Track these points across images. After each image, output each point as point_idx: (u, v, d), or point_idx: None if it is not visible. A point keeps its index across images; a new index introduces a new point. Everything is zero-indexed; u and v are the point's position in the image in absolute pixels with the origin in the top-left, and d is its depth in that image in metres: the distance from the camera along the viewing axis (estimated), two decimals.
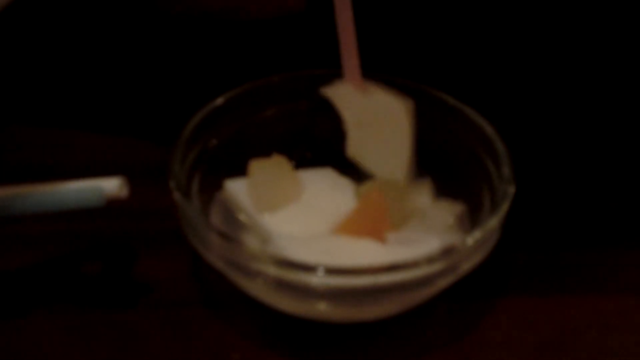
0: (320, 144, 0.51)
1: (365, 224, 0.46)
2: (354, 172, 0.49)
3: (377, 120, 0.47)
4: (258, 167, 0.48)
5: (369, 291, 0.40)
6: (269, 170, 0.48)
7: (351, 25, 0.45)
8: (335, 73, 0.48)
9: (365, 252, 0.45)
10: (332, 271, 0.40)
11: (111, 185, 0.43)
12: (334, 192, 0.49)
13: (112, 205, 0.43)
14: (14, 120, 0.58)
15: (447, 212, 0.48)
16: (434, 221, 0.47)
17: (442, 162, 0.50)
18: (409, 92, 0.48)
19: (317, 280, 0.40)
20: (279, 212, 0.48)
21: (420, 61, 0.61)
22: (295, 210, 0.48)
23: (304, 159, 0.51)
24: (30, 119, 0.59)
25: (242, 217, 0.48)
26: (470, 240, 0.41)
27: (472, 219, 0.46)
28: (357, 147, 0.49)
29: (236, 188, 0.49)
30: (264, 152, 0.49)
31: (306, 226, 0.47)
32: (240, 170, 0.49)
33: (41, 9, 0.61)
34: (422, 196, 0.49)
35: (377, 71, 0.48)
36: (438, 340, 0.44)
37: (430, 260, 0.40)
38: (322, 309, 0.42)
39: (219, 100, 0.49)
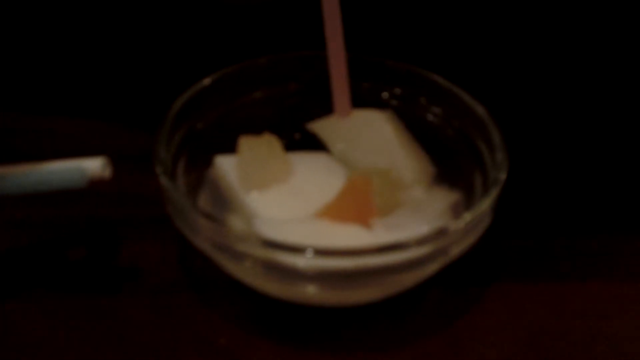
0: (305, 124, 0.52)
1: (348, 208, 0.46)
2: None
3: (363, 137, 0.49)
4: (247, 145, 0.48)
5: (358, 274, 0.40)
6: (258, 149, 0.48)
7: (343, 62, 0.47)
8: (322, 55, 0.49)
9: (347, 236, 0.45)
10: (320, 252, 0.40)
11: (93, 166, 0.43)
12: (325, 176, 0.49)
13: (96, 189, 0.44)
14: None
15: (441, 201, 0.48)
16: (426, 209, 0.47)
17: (436, 146, 0.50)
18: (400, 74, 0.50)
19: (305, 262, 0.40)
20: (266, 192, 0.48)
21: (412, 42, 0.61)
22: (282, 191, 0.48)
23: (292, 141, 0.51)
24: (10, 105, 0.59)
25: (228, 195, 0.49)
26: (460, 223, 0.41)
27: (467, 207, 0.46)
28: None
29: (225, 164, 0.49)
30: (252, 134, 0.49)
31: (292, 208, 0.47)
32: (227, 154, 0.49)
33: None
34: (416, 184, 0.49)
35: (366, 53, 0.49)
36: (430, 326, 0.44)
37: (419, 242, 0.40)
38: (310, 292, 0.42)
39: (206, 81, 0.49)
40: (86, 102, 0.59)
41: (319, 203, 0.46)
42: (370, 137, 0.49)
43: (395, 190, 0.48)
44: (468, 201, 0.47)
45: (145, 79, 0.61)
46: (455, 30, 0.64)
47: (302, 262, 0.40)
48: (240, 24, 0.63)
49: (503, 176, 0.44)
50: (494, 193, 0.43)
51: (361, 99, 0.50)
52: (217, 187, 0.49)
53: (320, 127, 0.50)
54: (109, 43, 0.64)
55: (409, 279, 0.43)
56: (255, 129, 0.49)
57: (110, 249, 0.49)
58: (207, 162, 0.49)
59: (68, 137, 0.56)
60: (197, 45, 0.63)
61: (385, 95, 0.51)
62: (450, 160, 0.49)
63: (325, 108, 0.50)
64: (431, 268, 0.43)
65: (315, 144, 0.51)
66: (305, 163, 0.50)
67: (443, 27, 0.64)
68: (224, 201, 0.49)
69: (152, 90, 0.58)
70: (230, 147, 0.49)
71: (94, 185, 0.43)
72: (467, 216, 0.42)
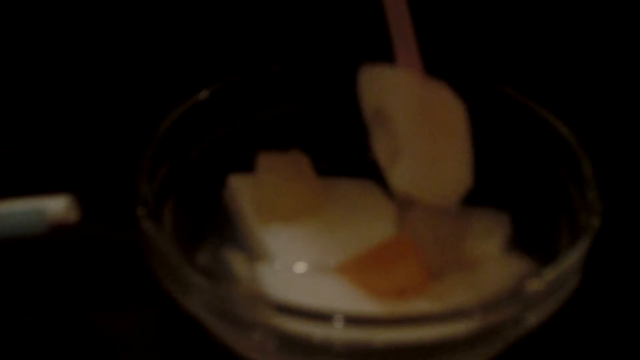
0: (333, 155, 0.51)
1: (377, 277, 0.45)
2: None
3: (428, 122, 0.46)
4: (268, 163, 0.47)
5: (403, 351, 0.38)
6: (281, 169, 0.47)
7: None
8: (355, 60, 0.48)
9: (370, 303, 0.44)
10: (353, 321, 0.38)
11: (56, 206, 0.42)
12: (366, 213, 0.48)
13: (59, 237, 0.43)
14: None
15: (509, 271, 0.47)
16: (485, 282, 0.46)
17: (503, 177, 0.49)
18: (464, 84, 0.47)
19: (331, 333, 0.38)
20: (286, 226, 0.47)
21: (474, 45, 0.60)
22: (307, 227, 0.47)
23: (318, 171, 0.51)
24: None
25: (239, 224, 0.48)
26: (539, 282, 0.39)
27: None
28: (389, 159, 0.48)
29: (240, 186, 0.49)
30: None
31: (314, 253, 0.46)
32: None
33: None
34: (488, 242, 0.48)
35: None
36: None
37: (485, 308, 0.38)
38: None
39: (202, 95, 0.48)
40: (50, 124, 0.59)
41: (350, 250, 0.46)
42: (436, 126, 0.46)
43: (456, 241, 0.47)
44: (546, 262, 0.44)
45: (125, 95, 0.60)
46: (528, 32, 0.62)
47: (328, 333, 0.38)
48: (249, 21, 0.61)
49: (596, 221, 0.42)
50: (584, 243, 0.41)
51: None
52: (230, 213, 0.49)
53: (371, 77, 0.47)
54: (80, 49, 0.62)
55: (472, 359, 0.42)
56: None
57: (75, 315, 0.48)
58: (203, 201, 0.49)
59: (25, 169, 0.56)
60: (191, 48, 0.62)
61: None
62: (525, 200, 0.49)
63: (359, 131, 0.49)
64: (500, 344, 0.41)
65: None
66: (343, 192, 0.49)
67: (518, 32, 0.62)
68: (233, 233, 0.49)
69: (132, 107, 0.57)
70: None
71: (57, 231, 0.42)
72: (549, 273, 0.40)
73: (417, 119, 0.46)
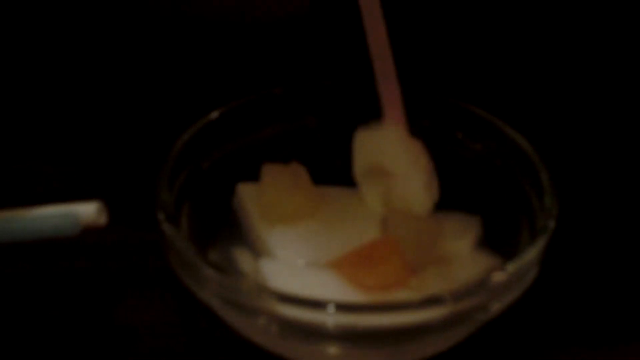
0: (329, 168, 0.52)
1: (364, 273, 0.46)
2: None
3: (393, 161, 0.50)
4: (271, 173, 0.50)
5: (386, 333, 0.41)
6: (282, 178, 0.49)
7: (387, 47, 0.47)
8: (344, 84, 0.51)
9: (358, 294, 0.46)
10: (344, 308, 0.40)
11: (87, 211, 0.45)
12: (355, 216, 0.50)
13: (90, 238, 0.46)
14: None
15: (478, 266, 0.48)
16: (456, 275, 0.48)
17: (474, 188, 0.51)
18: (431, 104, 0.51)
19: (327, 318, 0.40)
20: (287, 228, 0.49)
21: (445, 69, 0.62)
22: (304, 228, 0.49)
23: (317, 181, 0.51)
24: None
25: (246, 226, 0.50)
26: (503, 274, 0.42)
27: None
28: (372, 197, 0.51)
29: (246, 193, 0.51)
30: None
31: (310, 250, 0.48)
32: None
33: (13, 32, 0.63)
34: (460, 242, 0.50)
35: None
36: None
37: (456, 296, 0.41)
38: (331, 354, 0.42)
39: (213, 115, 0.50)
40: (80, 140, 0.61)
41: (343, 248, 0.47)
42: (398, 163, 0.50)
43: (432, 242, 0.48)
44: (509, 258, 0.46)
45: (146, 113, 0.62)
46: (493, 54, 0.65)
47: (322, 318, 0.40)
48: (253, 49, 0.64)
49: (552, 223, 0.44)
50: (541, 241, 0.43)
51: None
52: (238, 216, 0.51)
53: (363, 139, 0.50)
54: (104, 69, 0.65)
55: (444, 341, 0.44)
56: None
57: (104, 306, 0.50)
58: (215, 206, 0.50)
59: (59, 179, 0.57)
60: (203, 74, 0.64)
61: (413, 129, 0.51)
62: (491, 205, 0.50)
63: (347, 147, 0.51)
64: (468, 328, 0.43)
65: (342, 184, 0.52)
66: (334, 199, 0.51)
67: (479, 50, 0.65)
68: (241, 234, 0.50)
69: (153, 125, 0.59)
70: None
71: (88, 233, 0.45)
72: (511, 267, 0.42)
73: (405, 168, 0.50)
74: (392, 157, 0.50)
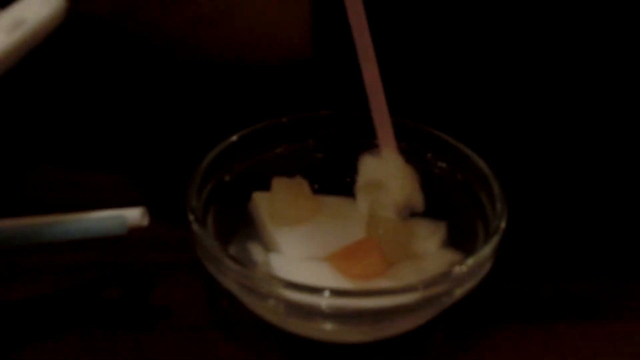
0: (326, 181, 0.56)
1: (352, 265, 0.49)
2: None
3: (383, 176, 0.53)
4: (280, 184, 0.52)
5: (371, 313, 0.44)
6: (289, 189, 0.52)
7: (381, 93, 0.50)
8: (338, 114, 0.54)
9: (348, 282, 0.49)
10: (336, 293, 0.43)
11: (134, 215, 0.47)
12: (346, 220, 0.53)
13: (132, 236, 0.47)
14: (38, 159, 0.62)
15: (444, 261, 0.51)
16: (426, 268, 0.50)
17: (441, 197, 0.54)
18: (407, 131, 0.53)
19: (322, 301, 0.44)
20: (292, 229, 0.52)
21: (419, 101, 0.62)
22: (306, 229, 0.52)
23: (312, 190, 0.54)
24: (55, 160, 0.62)
25: (260, 227, 0.52)
26: (464, 267, 0.45)
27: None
28: (364, 204, 0.54)
29: (260, 200, 0.53)
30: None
31: (310, 247, 0.51)
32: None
33: (55, 57, 0.63)
34: (430, 242, 0.52)
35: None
36: None
37: (427, 284, 0.44)
38: (327, 329, 0.46)
39: (234, 138, 0.53)
40: (127, 158, 0.63)
41: (336, 245, 0.50)
42: (388, 178, 0.53)
43: (406, 241, 0.51)
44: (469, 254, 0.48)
45: (180, 137, 0.64)
46: (459, 90, 0.66)
47: (319, 301, 0.44)
48: (264, 86, 0.66)
49: (503, 225, 0.47)
50: (494, 240, 0.47)
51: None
52: (253, 218, 0.53)
53: (366, 162, 0.53)
54: (147, 106, 0.67)
55: (416, 319, 0.47)
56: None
57: (145, 289, 0.52)
58: (234, 210, 0.53)
59: (109, 189, 0.60)
60: (225, 106, 0.66)
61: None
62: (455, 211, 0.53)
63: (343, 163, 0.54)
64: (436, 309, 0.46)
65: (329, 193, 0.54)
66: (331, 206, 0.53)
67: (447, 86, 0.66)
68: (255, 232, 0.52)
69: (186, 146, 0.59)
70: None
71: (134, 232, 0.47)
72: (470, 261, 0.45)
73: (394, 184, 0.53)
74: (387, 175, 0.53)
